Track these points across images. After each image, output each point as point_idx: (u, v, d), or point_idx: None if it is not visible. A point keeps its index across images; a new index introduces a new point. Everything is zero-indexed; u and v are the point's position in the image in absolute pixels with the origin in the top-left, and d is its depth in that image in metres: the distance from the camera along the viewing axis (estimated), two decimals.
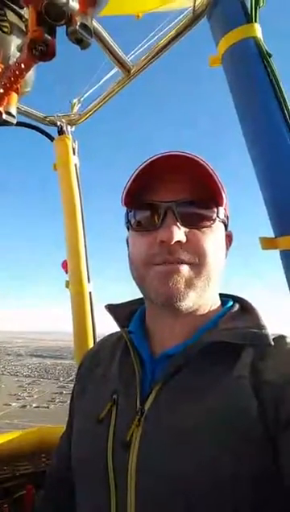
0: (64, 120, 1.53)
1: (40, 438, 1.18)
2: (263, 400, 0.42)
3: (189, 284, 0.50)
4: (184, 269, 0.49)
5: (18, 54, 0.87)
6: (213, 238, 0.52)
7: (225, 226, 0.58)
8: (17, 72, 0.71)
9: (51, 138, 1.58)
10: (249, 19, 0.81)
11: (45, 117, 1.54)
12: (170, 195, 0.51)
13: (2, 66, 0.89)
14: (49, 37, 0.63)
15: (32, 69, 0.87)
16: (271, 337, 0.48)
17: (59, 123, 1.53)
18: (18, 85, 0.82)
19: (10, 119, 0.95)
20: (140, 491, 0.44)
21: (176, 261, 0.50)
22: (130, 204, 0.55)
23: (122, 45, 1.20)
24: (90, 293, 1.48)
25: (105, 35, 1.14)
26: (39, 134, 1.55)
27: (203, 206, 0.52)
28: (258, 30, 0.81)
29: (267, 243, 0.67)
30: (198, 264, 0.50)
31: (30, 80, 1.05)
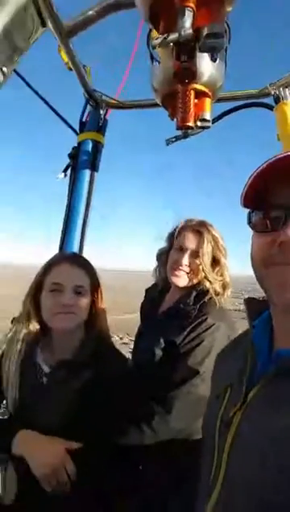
0: (277, 87, 1.45)
1: None
2: None
3: None
4: None
5: None
6: None
7: None
8: (185, 99, 0.87)
9: (271, 108, 1.54)
10: None
11: (260, 91, 1.53)
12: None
13: None
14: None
15: (211, 65, 0.98)
16: None
17: (273, 91, 1.47)
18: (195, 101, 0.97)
19: (205, 124, 1.12)
20: (229, 468, 0.50)
21: None
22: (250, 204, 0.55)
23: None
24: None
25: None
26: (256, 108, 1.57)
27: None
28: None
29: None
30: None
31: (219, 76, 1.12)
